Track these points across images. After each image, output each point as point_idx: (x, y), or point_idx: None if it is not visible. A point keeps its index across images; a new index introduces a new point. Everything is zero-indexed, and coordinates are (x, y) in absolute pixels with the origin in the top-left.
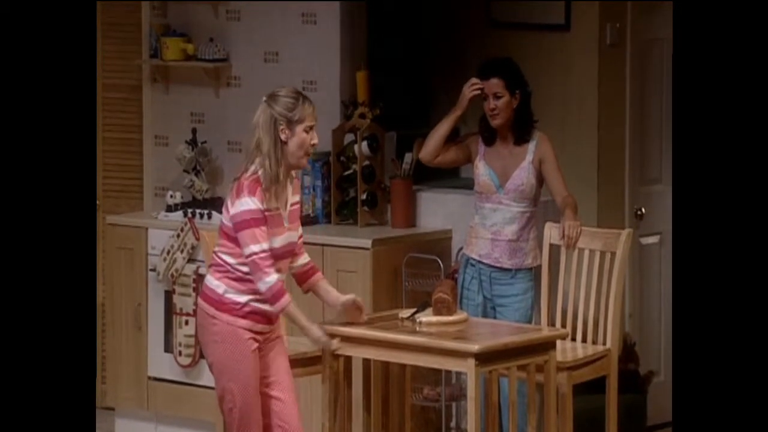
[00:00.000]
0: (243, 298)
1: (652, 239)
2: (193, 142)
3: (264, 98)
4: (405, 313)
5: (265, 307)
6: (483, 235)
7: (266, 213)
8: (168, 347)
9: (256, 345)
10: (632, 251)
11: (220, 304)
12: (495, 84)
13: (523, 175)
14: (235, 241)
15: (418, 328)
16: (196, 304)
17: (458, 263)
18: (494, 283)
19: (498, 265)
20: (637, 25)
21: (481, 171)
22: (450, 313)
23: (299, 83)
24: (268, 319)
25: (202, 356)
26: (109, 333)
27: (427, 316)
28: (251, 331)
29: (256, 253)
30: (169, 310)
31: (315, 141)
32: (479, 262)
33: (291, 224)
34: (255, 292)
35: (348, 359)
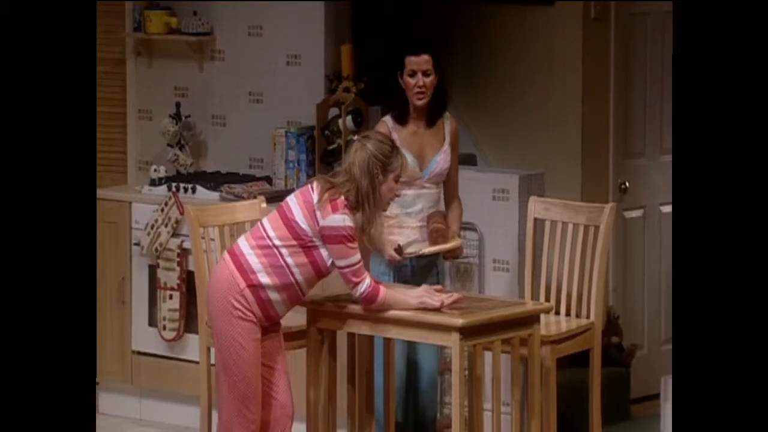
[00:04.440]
0: (273, 296)
1: (635, 213)
2: (177, 116)
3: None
4: (407, 247)
5: (282, 311)
6: (410, 224)
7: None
8: (152, 321)
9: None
10: (616, 225)
11: (253, 288)
12: (425, 61)
13: (445, 158)
14: (298, 236)
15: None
16: (180, 278)
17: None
18: (422, 273)
19: None
20: None
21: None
22: (446, 241)
23: (283, 57)
24: (277, 319)
25: (186, 330)
26: None
27: (427, 248)
28: (261, 322)
29: (347, 266)
30: (153, 285)
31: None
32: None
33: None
34: (285, 290)
35: (333, 333)
